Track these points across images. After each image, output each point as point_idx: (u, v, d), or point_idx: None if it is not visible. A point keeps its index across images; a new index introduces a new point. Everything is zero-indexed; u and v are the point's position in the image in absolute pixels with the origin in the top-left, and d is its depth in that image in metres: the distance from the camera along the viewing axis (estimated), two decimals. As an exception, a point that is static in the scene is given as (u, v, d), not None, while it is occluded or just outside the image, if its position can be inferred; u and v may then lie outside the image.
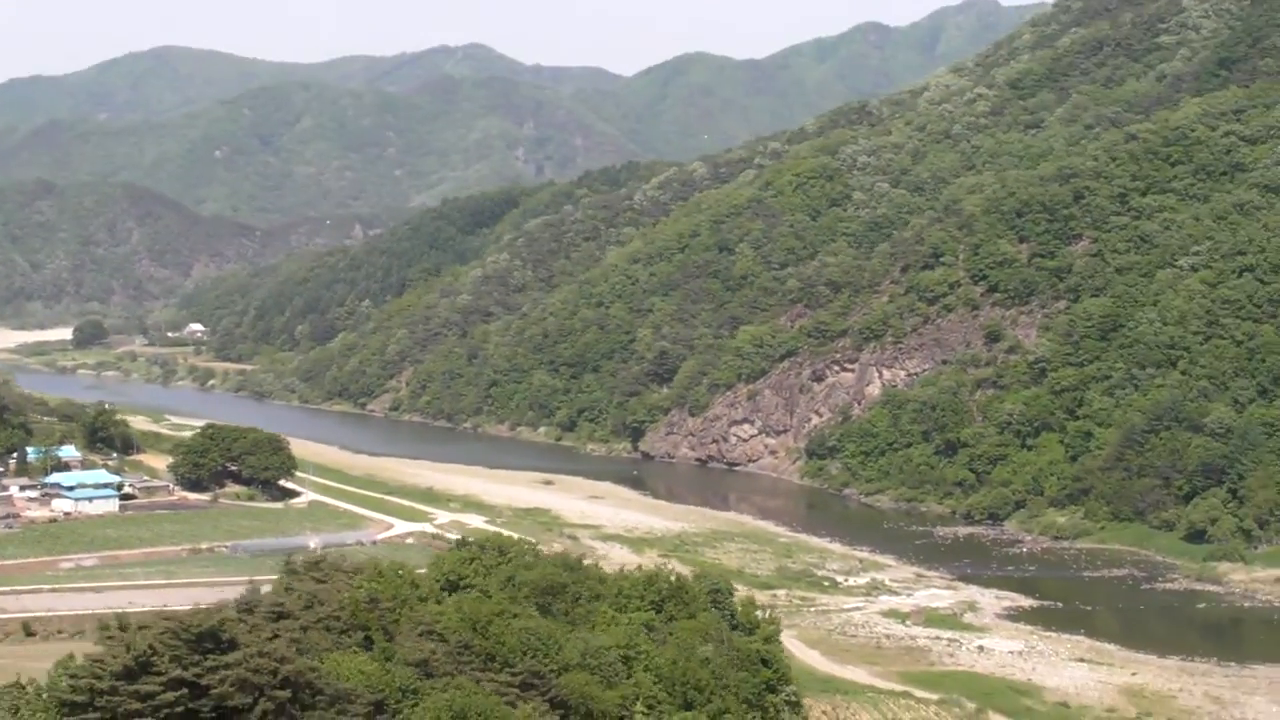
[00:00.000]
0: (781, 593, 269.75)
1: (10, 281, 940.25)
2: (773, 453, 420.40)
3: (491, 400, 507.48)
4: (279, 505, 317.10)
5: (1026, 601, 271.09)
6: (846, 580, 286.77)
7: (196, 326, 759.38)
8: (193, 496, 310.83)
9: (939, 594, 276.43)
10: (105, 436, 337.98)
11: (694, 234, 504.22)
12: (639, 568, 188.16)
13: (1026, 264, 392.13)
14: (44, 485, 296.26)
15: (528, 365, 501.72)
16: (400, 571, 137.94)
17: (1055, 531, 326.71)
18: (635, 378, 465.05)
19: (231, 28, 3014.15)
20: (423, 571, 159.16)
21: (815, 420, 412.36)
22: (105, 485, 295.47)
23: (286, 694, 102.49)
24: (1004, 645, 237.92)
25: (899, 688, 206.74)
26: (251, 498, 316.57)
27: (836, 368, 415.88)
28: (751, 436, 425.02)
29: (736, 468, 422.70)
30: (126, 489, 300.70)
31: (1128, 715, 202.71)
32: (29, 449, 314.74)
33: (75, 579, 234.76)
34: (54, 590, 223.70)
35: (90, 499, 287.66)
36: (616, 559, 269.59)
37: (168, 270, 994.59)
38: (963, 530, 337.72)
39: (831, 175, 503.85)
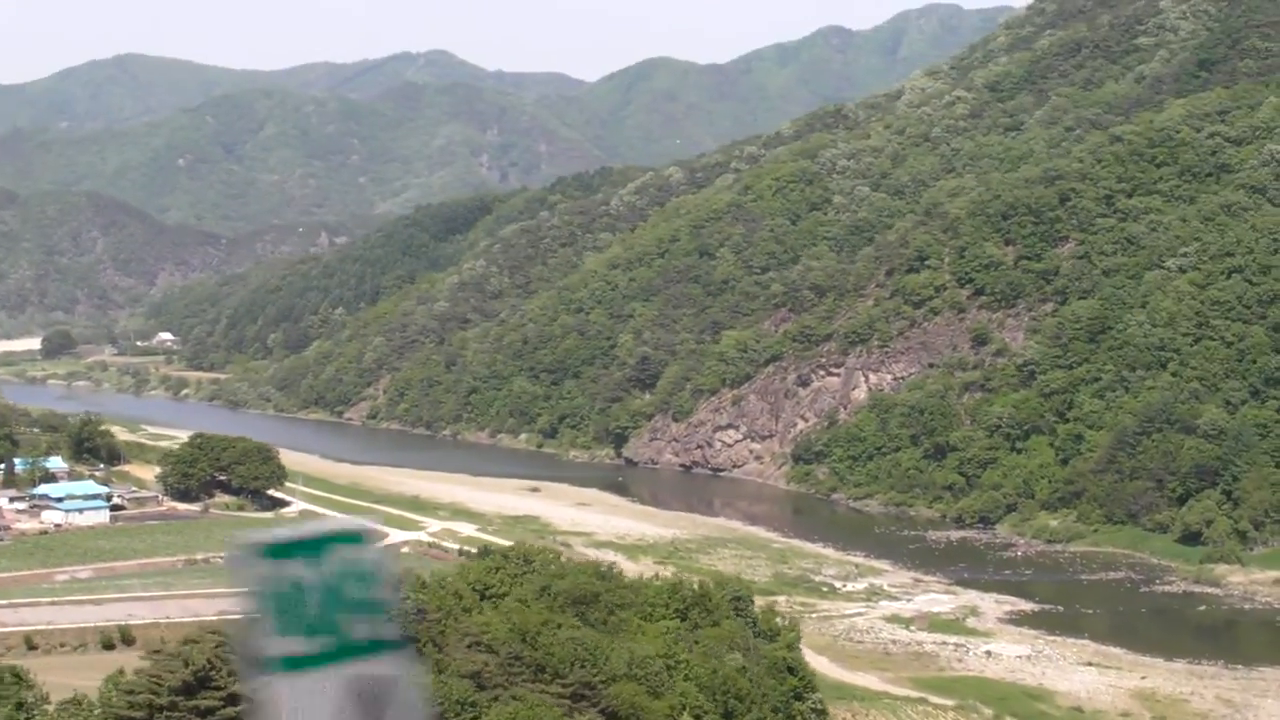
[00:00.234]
0: (781, 599, 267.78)
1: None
2: (758, 458, 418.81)
3: (471, 407, 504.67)
4: (270, 515, 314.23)
5: (1027, 606, 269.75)
6: (844, 585, 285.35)
7: (166, 335, 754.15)
8: (182, 507, 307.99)
9: (938, 599, 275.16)
10: (92, 447, 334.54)
11: (673, 239, 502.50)
12: (656, 576, 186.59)
13: (1013, 266, 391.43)
14: (32, 497, 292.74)
15: (507, 372, 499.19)
16: (444, 583, 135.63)
17: (1048, 535, 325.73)
18: (617, 384, 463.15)
19: (192, 35, 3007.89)
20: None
21: (801, 425, 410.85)
22: (95, 496, 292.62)
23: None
24: (1011, 650, 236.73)
25: (915, 694, 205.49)
26: (241, 508, 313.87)
27: (822, 372, 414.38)
28: (736, 442, 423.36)
29: (721, 473, 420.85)
30: (116, 500, 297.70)
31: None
32: (16, 460, 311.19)
33: (72, 591, 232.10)
34: (52, 603, 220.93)
35: (80, 510, 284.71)
36: (618, 567, 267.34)
37: (133, 279, 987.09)
38: (955, 534, 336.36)
39: (811, 179, 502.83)
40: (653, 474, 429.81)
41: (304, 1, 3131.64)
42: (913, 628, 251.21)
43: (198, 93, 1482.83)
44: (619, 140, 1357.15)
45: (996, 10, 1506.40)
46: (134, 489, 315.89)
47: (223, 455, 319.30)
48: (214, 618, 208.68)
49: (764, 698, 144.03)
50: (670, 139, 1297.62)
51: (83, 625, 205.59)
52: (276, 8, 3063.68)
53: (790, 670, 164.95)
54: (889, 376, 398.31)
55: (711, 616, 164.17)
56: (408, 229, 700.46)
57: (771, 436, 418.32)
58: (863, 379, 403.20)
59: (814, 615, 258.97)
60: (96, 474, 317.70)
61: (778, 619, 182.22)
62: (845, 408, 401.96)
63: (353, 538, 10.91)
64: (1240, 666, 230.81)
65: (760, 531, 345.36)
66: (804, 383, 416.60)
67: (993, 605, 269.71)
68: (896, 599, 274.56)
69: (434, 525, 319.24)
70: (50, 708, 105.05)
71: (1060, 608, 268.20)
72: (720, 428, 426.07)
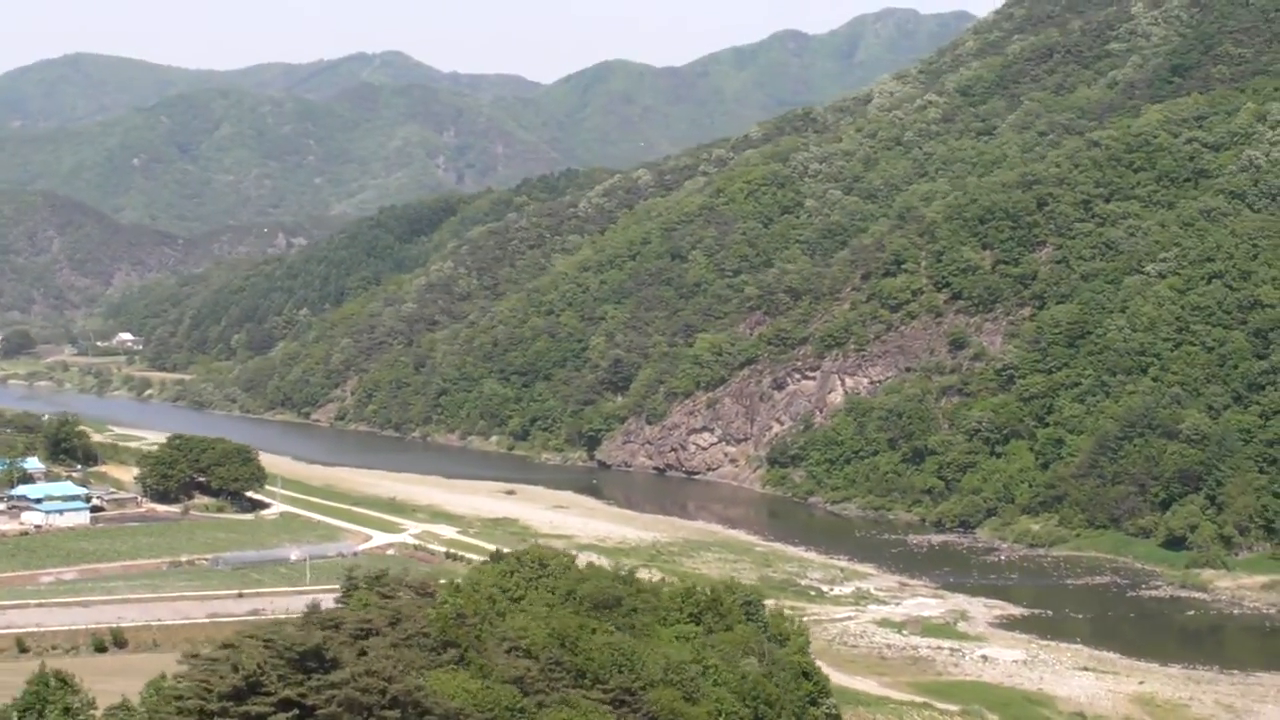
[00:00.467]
0: (770, 603, 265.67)
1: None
2: (733, 461, 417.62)
3: (441, 409, 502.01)
4: (250, 516, 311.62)
5: (1016, 610, 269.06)
6: (832, 590, 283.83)
7: (126, 336, 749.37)
8: (161, 508, 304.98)
9: (926, 603, 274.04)
10: (69, 448, 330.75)
11: (645, 241, 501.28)
12: (664, 579, 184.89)
13: (990, 271, 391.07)
14: (11, 498, 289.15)
15: (477, 374, 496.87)
16: (477, 586, 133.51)
17: (1030, 539, 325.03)
18: (589, 386, 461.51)
19: (146, 35, 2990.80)
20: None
21: (776, 428, 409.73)
22: (74, 498, 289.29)
23: (396, 715, 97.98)
24: (1006, 654, 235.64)
25: (918, 699, 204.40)
26: (221, 509, 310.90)
27: (798, 375, 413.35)
28: (711, 445, 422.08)
29: (695, 476, 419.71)
30: (95, 501, 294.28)
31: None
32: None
33: (59, 593, 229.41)
34: (40, 605, 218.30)
35: (60, 512, 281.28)
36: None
37: (89, 279, 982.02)
38: (936, 538, 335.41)
39: (783, 183, 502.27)
40: (626, 477, 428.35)
41: (259, 1, 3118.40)
42: (905, 632, 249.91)
43: (152, 92, 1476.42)
44: (575, 143, 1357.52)
45: (952, 16, 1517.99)
46: (112, 490, 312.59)
47: (202, 457, 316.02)
48: (205, 620, 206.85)
49: (791, 703, 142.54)
50: (627, 141, 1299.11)
51: (73, 627, 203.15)
52: (231, 7, 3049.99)
53: (804, 674, 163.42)
54: (865, 380, 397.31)
55: (724, 621, 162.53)
56: (372, 230, 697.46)
57: (746, 440, 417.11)
58: (839, 382, 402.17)
59: (804, 619, 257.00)
60: (74, 475, 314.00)
61: (786, 623, 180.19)
62: (821, 411, 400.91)
63: None
64: (1236, 671, 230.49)
65: (741, 535, 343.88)
66: (779, 386, 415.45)
67: (982, 609, 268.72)
68: (885, 603, 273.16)
69: (414, 528, 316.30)
70: (97, 713, 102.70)
71: (1049, 612, 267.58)
72: (694, 430, 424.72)
